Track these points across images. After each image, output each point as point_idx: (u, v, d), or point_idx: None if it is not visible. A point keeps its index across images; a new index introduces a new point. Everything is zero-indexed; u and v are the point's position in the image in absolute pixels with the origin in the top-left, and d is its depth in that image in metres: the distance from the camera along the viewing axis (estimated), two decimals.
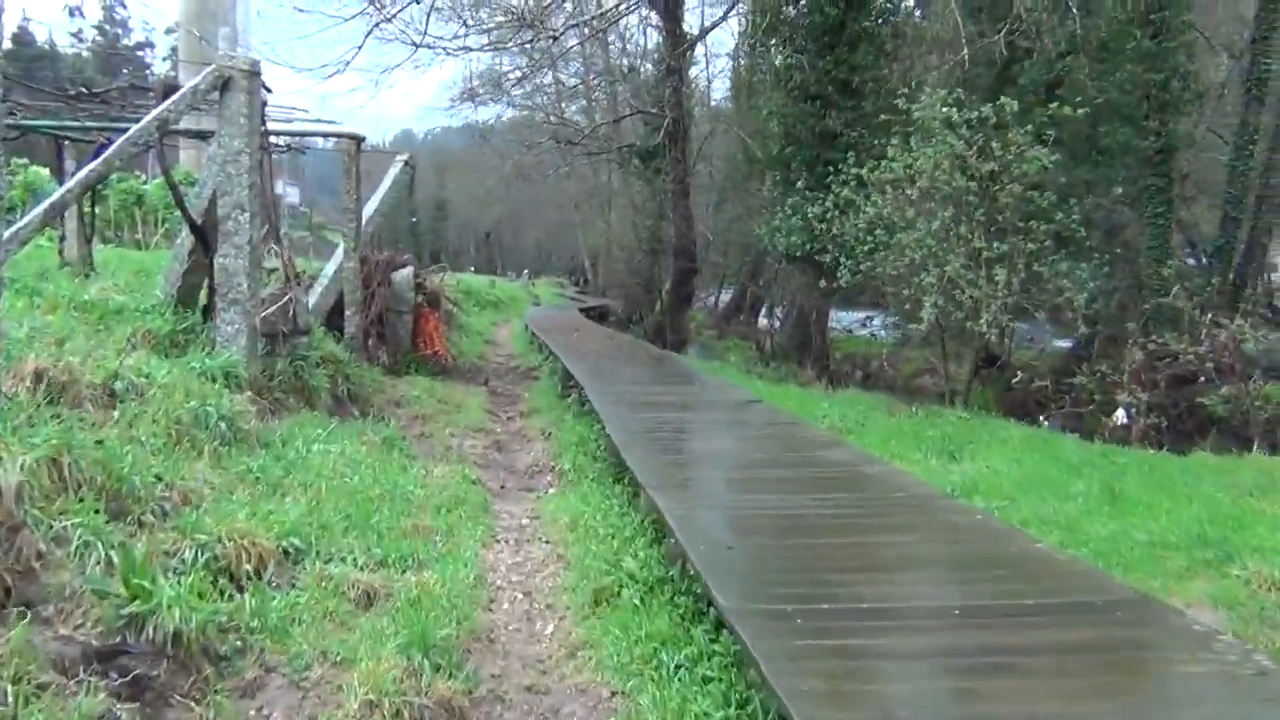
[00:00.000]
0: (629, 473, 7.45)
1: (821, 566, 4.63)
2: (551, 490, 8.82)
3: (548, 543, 6.96)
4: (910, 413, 14.07)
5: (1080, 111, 13.68)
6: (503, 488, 9.22)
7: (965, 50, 17.10)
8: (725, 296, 42.14)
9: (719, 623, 4.61)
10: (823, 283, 16.57)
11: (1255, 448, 15.57)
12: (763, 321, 35.65)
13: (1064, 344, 24.71)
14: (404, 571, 5.73)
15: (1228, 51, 26.68)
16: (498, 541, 7.00)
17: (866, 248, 14.71)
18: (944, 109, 13.84)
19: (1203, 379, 16.74)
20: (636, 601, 5.21)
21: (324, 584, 5.22)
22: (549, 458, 10.43)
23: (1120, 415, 13.67)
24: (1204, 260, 24.97)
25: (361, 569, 5.57)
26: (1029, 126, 13.65)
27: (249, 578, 4.93)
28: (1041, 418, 16.97)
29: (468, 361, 18.82)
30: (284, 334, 9.48)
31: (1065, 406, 18.69)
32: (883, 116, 16.05)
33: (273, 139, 10.49)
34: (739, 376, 17.88)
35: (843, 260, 15.41)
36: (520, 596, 5.88)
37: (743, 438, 8.20)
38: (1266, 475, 10.23)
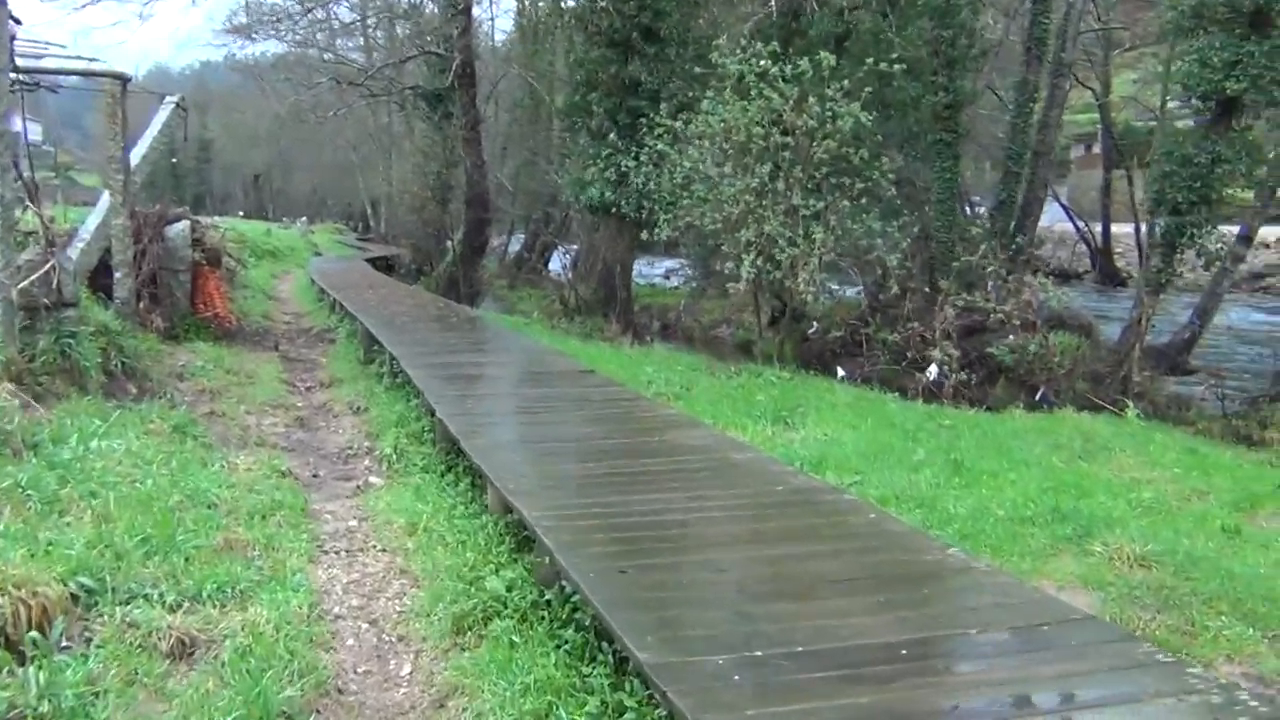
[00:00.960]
0: (468, 462, 6.68)
1: (740, 594, 4.07)
2: (375, 481, 7.91)
3: (384, 552, 6.12)
4: (731, 373, 13.81)
5: (897, 67, 13.57)
6: (316, 477, 8.24)
7: (774, 1, 16.79)
8: (515, 245, 41.15)
9: (621, 662, 3.99)
10: (644, 236, 15.97)
11: (1039, 395, 16.28)
12: (554, 270, 35.04)
13: (853, 293, 25.23)
14: (223, 606, 4.80)
15: (1004, 12, 27.65)
16: (326, 553, 6.11)
17: (686, 201, 14.24)
18: (761, 63, 13.45)
19: (990, 330, 17.36)
20: (513, 636, 4.50)
21: (127, 636, 4.26)
22: (364, 438, 9.47)
23: (933, 371, 13.85)
24: (981, 214, 26.01)
25: (171, 608, 4.62)
26: (844, 82, 13.45)
27: (32, 642, 3.92)
28: (839, 369, 17.15)
29: (253, 323, 17.30)
30: (46, 307, 8.10)
31: (859, 356, 19.06)
32: (696, 70, 15.58)
33: (23, 78, 8.92)
34: (549, 335, 17.20)
35: (661, 214, 14.89)
36: (365, 627, 5.05)
37: (591, 419, 7.54)
38: (1083, 435, 10.46)
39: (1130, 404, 12.32)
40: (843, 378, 15.70)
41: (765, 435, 9.78)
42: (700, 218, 14.04)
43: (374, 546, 6.21)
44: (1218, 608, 6.03)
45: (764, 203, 13.14)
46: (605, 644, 4.17)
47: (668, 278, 29.36)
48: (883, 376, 15.20)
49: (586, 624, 4.36)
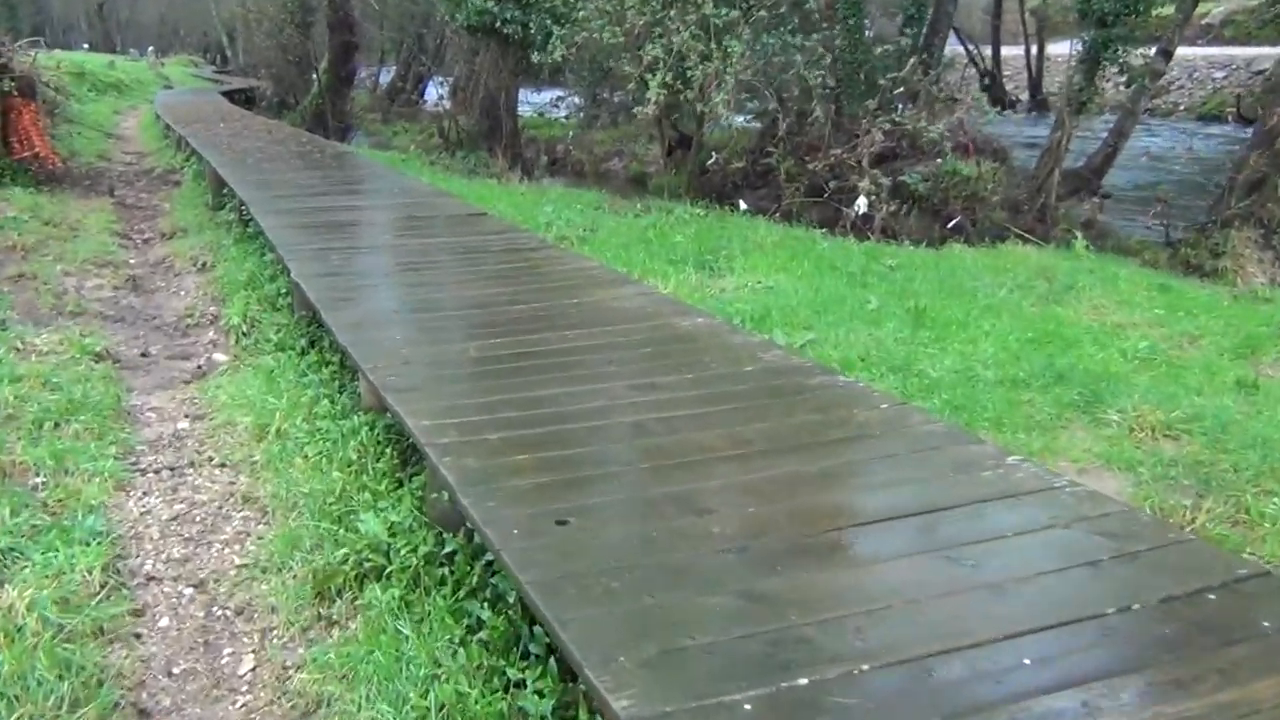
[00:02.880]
0: (334, 341, 5.13)
1: (748, 560, 2.70)
2: (220, 360, 6.28)
3: (223, 468, 4.58)
4: (638, 211, 12.27)
5: None
6: (145, 356, 6.56)
7: None
8: (387, 76, 38.03)
9: (561, 663, 2.63)
10: (534, 58, 13.99)
11: (953, 224, 15.18)
12: (430, 101, 32.51)
13: (742, 120, 23.37)
14: None
15: None
16: (142, 473, 4.53)
17: (581, 13, 12.34)
18: None
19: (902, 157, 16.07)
20: (401, 615, 3.08)
21: None
22: (209, 302, 7.75)
23: (862, 204, 12.51)
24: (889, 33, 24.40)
25: None
26: None
27: None
28: (741, 202, 15.78)
29: (84, 165, 14.95)
30: None
31: (763, 188, 17.69)
32: None
33: None
34: (429, 172, 15.31)
35: (554, 30, 12.96)
36: (188, 595, 3.56)
37: (490, 276, 5.98)
38: (1041, 273, 9.32)
39: (1078, 235, 11.22)
40: (746, 210, 14.31)
41: (690, 284, 8.38)
42: (599, 31, 12.19)
43: (209, 460, 4.65)
44: (1266, 486, 4.96)
45: (672, 13, 11.36)
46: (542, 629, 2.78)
47: (556, 106, 27.21)
48: (798, 210, 13.80)
49: (511, 599, 2.96)
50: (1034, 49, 38.93)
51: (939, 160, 15.35)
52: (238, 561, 3.73)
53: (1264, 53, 33.37)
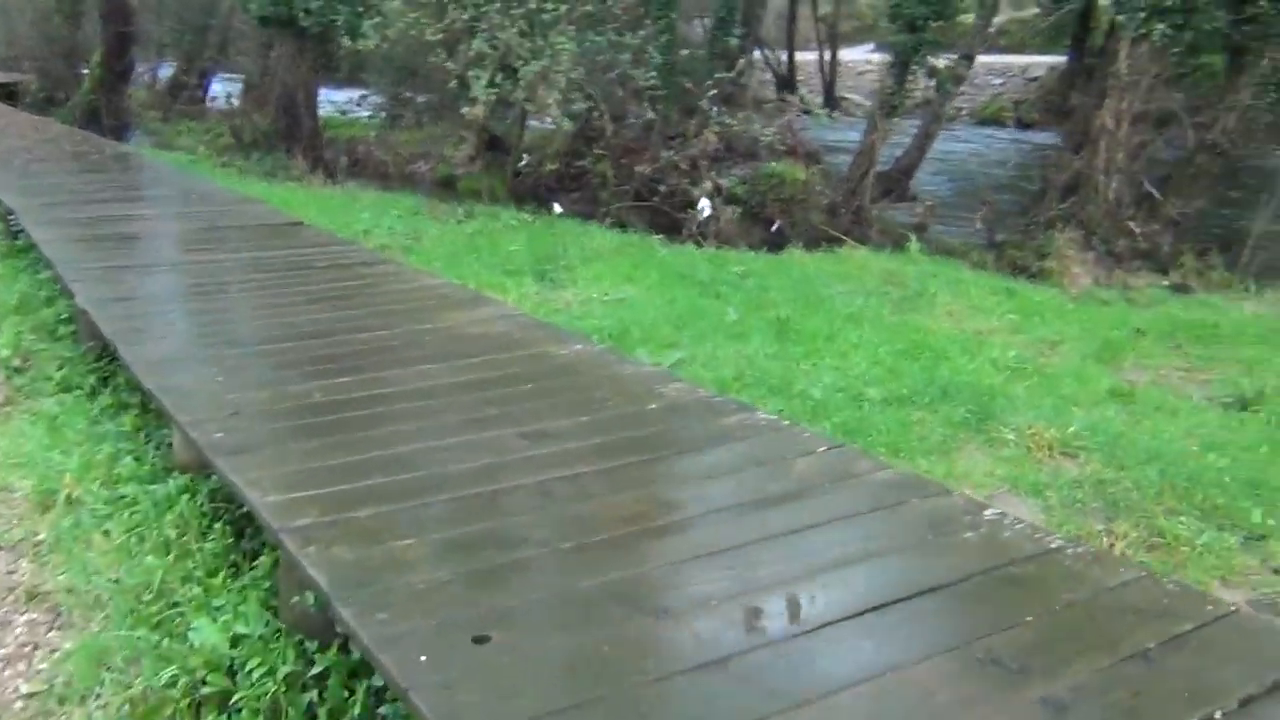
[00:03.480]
0: (128, 373, 4.23)
1: (715, 662, 2.11)
2: None
3: None
4: (460, 218, 11.49)
5: None
6: None
7: None
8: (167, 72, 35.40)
9: None
10: (345, 45, 12.92)
11: (774, 228, 15.07)
12: (214, 98, 30.42)
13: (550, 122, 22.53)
14: None
15: None
16: None
17: (393, 3, 11.45)
18: None
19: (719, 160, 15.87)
20: None
21: None
22: None
23: (704, 207, 12.12)
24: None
25: None
26: None
27: None
28: (556, 205, 15.23)
29: None
30: None
31: (577, 191, 17.19)
32: None
33: None
34: (225, 175, 14.04)
35: (363, 21, 11.99)
36: None
37: (321, 298, 5.15)
38: (887, 278, 9.14)
39: (912, 238, 11.16)
40: (561, 214, 13.73)
41: (531, 297, 7.75)
42: (414, 26, 11.31)
43: None
44: (1169, 504, 4.76)
45: (496, 6, 10.65)
46: None
47: (359, 104, 25.89)
48: (625, 215, 13.30)
49: None
50: (826, 54, 39.99)
51: (757, 163, 15.23)
52: (24, 689, 2.85)
53: (1037, 60, 35.15)
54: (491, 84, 10.56)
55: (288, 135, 18.69)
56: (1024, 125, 31.05)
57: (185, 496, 3.53)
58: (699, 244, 11.62)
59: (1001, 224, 13.78)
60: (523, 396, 3.76)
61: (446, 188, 19.55)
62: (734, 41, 15.88)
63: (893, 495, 3.03)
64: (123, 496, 3.68)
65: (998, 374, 6.38)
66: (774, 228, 14.60)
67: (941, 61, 16.50)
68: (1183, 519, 4.63)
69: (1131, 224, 11.93)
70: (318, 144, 19.26)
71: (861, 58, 41.25)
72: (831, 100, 39.94)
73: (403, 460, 3.13)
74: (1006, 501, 4.71)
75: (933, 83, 17.29)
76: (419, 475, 3.02)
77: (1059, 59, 34.33)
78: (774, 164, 15.65)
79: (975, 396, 5.74)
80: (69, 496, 3.82)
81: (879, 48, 44.26)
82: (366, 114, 25.31)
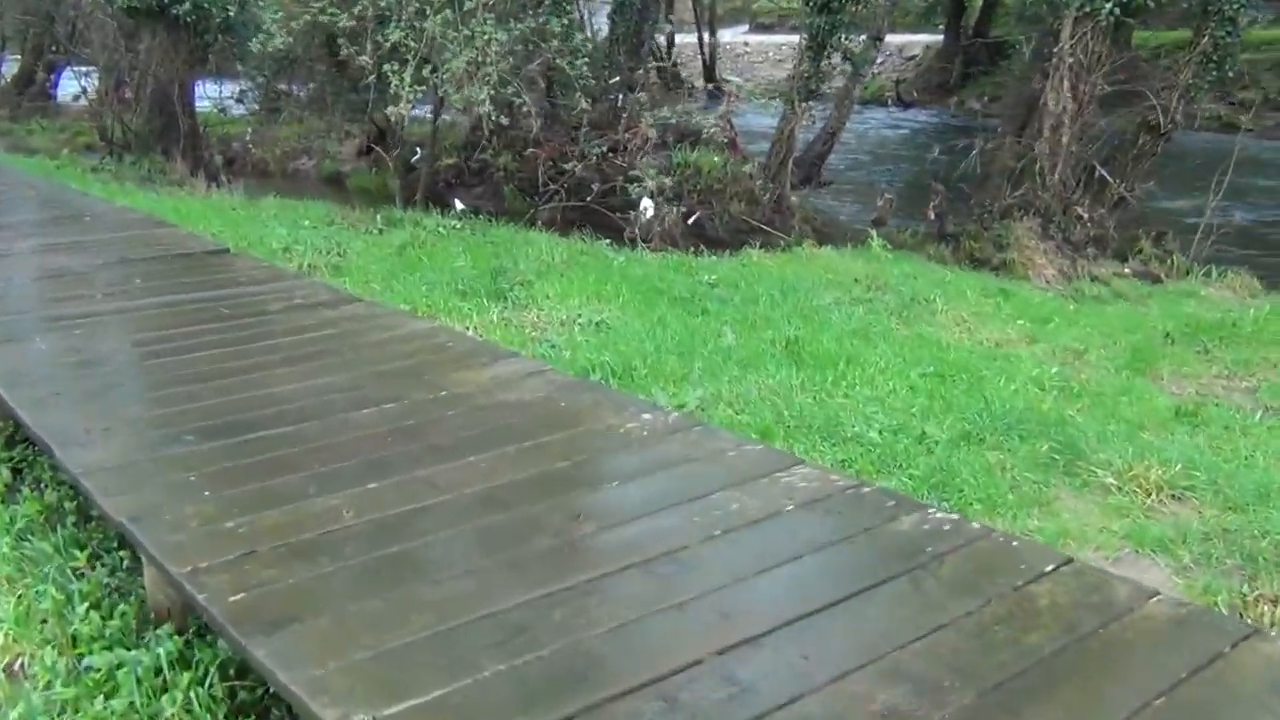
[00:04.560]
0: (64, 478, 3.22)
1: None
2: None
3: None
4: (380, 226, 10.39)
5: None
6: None
7: None
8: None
9: None
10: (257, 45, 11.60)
11: (692, 219, 14.33)
12: (66, 94, 28.18)
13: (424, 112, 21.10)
14: None
15: None
16: None
17: None
18: None
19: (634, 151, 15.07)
20: None
21: None
22: None
23: (647, 207, 11.26)
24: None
25: None
26: None
27: None
28: (457, 201, 14.22)
29: None
30: None
31: (479, 186, 16.20)
32: None
33: None
34: (98, 184, 12.59)
35: (265, 13, 10.74)
36: None
37: (293, 356, 4.13)
38: (866, 280, 8.47)
39: (873, 233, 10.52)
40: (462, 210, 12.71)
41: (494, 321, 6.83)
42: (322, 14, 10.13)
43: None
44: None
45: None
46: None
47: (240, 100, 24.15)
48: (556, 217, 12.35)
49: None
50: (706, 36, 39.42)
51: (669, 153, 14.46)
52: None
53: (912, 39, 35.36)
54: (417, 78, 9.51)
55: (163, 135, 17.15)
56: (905, 104, 31.05)
57: (186, 673, 2.56)
58: (634, 245, 10.77)
59: (906, 207, 13.33)
60: (639, 506, 2.90)
61: (334, 185, 18.28)
62: (622, 29, 15.07)
63: (1060, 591, 2.30)
64: (90, 670, 2.67)
65: (1046, 396, 5.74)
66: (691, 219, 13.86)
67: (857, 43, 16.04)
68: None
69: (1080, 210, 11.57)
70: (198, 144, 17.75)
71: (738, 39, 40.95)
72: (714, 84, 39.48)
73: (461, 595, 2.24)
74: (1135, 566, 4.04)
75: (847, 65, 16.78)
76: (475, 615, 2.14)
77: (934, 37, 34.55)
78: (689, 153, 14.93)
79: (1044, 428, 5.07)
80: (9, 668, 2.80)
81: (754, 28, 44.08)
82: (242, 109, 23.65)
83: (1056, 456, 4.76)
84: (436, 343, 4.38)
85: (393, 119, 10.80)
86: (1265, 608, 3.80)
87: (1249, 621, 3.68)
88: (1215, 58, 11.57)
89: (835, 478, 3.08)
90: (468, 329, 6.35)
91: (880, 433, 4.92)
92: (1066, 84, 11.52)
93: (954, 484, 4.41)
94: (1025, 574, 2.51)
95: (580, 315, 6.95)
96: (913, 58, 35.56)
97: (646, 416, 3.52)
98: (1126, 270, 10.60)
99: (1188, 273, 10.66)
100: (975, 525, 2.77)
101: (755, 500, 2.90)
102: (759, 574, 2.52)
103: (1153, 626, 2.31)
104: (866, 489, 3.01)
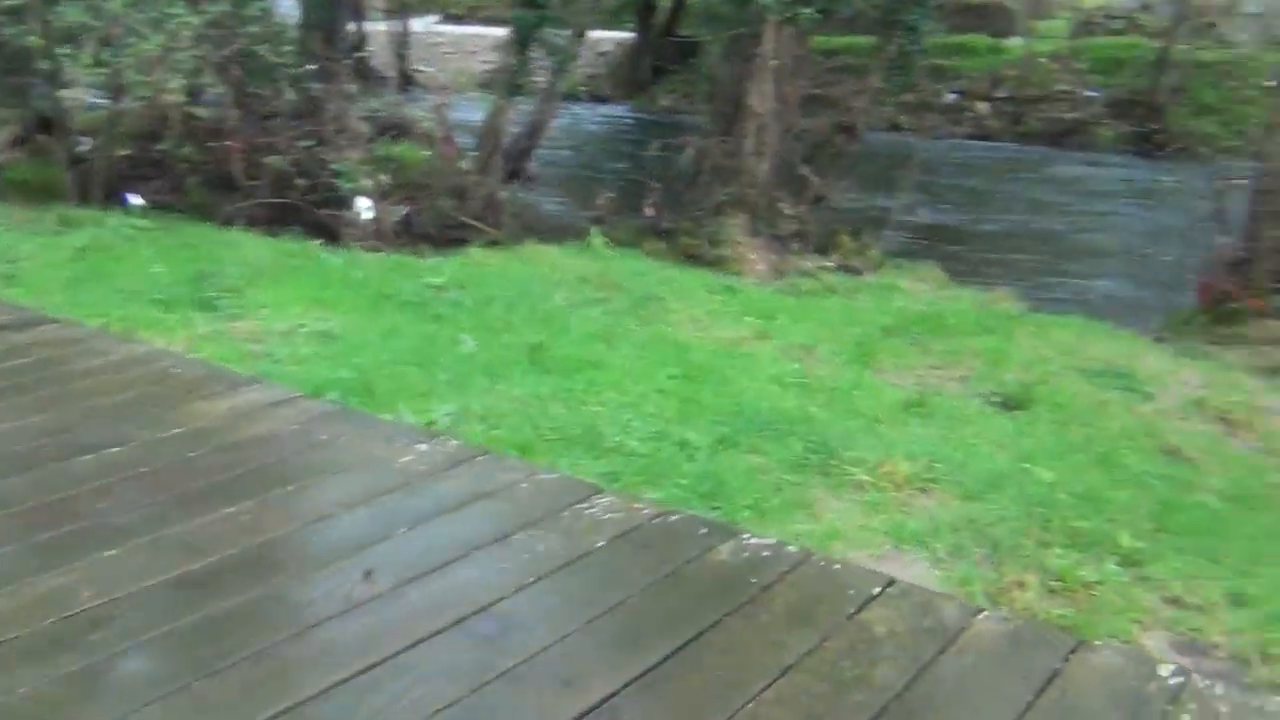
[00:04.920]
0: None
1: None
2: None
3: None
4: (55, 227, 9.24)
5: None
6: None
7: None
8: None
9: None
10: None
11: (404, 216, 13.91)
12: None
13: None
14: None
15: None
16: None
17: None
18: None
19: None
20: None
21: None
22: None
23: (365, 208, 10.64)
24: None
25: None
26: None
27: None
28: (131, 196, 13.06)
29: None
30: None
31: (158, 180, 14.93)
32: None
33: None
34: None
35: None
36: None
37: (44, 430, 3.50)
38: (595, 280, 8.42)
39: (593, 230, 10.49)
40: (140, 206, 11.65)
41: (204, 335, 6.23)
42: None
43: None
44: (1038, 535, 4.48)
45: None
46: None
47: None
48: (258, 215, 11.48)
49: None
50: (398, 26, 38.41)
51: (372, 147, 13.89)
52: None
53: (604, 35, 35.86)
54: (98, 62, 8.50)
55: None
56: (599, 99, 31.55)
57: None
58: (348, 246, 10.20)
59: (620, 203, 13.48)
60: (425, 556, 2.60)
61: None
62: (347, 13, 14.38)
63: (893, 617, 2.30)
64: None
65: (787, 394, 5.86)
66: (400, 216, 13.38)
67: (560, 38, 16.06)
68: (1058, 551, 4.34)
69: (784, 206, 12.08)
70: None
71: (429, 29, 40.14)
72: (406, 74, 38.42)
73: None
74: (899, 562, 4.17)
75: (551, 60, 16.78)
76: None
77: (626, 35, 35.36)
78: (391, 146, 14.43)
79: (792, 427, 5.17)
80: None
81: (446, 19, 43.42)
82: None
83: (811, 456, 4.85)
84: (159, 369, 3.84)
85: (66, 105, 9.60)
86: (1016, 593, 4.01)
87: (1005, 611, 3.89)
88: (900, 64, 12.45)
89: (639, 506, 2.92)
90: (174, 346, 5.71)
91: (641, 441, 4.83)
92: (769, 85, 11.99)
93: (723, 491, 4.39)
94: (855, 600, 2.45)
95: (303, 325, 6.45)
96: (605, 54, 36.13)
97: (422, 447, 3.21)
98: (829, 264, 11.15)
99: (881, 265, 11.37)
100: (793, 549, 2.68)
101: (562, 539, 2.69)
102: (588, 625, 2.31)
103: (986, 646, 2.30)
104: (674, 516, 2.86)
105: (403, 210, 12.76)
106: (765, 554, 2.65)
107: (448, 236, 12.28)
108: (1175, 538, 4.67)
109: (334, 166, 10.95)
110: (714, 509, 4.26)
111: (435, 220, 13.04)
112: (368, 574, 2.47)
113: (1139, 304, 10.56)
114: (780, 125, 12.19)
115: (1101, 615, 3.92)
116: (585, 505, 2.88)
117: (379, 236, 10.57)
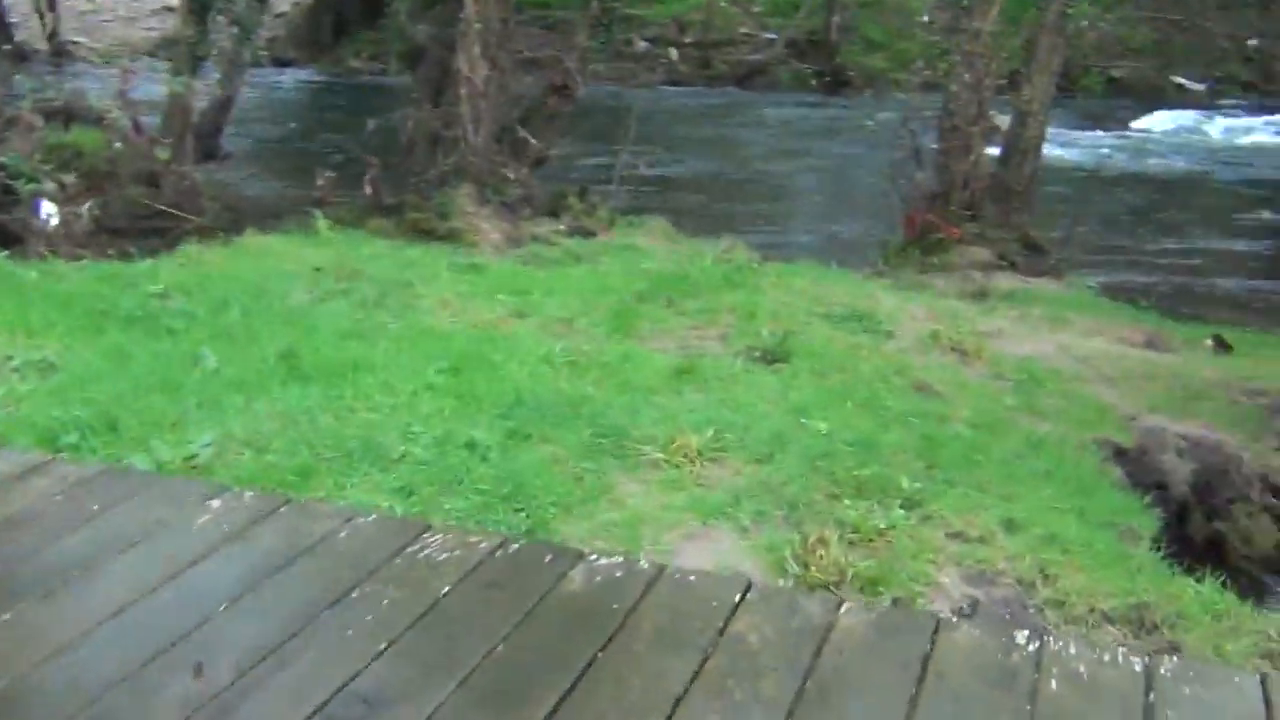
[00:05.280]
0: None
1: None
2: None
3: None
4: None
5: None
6: None
7: None
8: None
9: None
10: None
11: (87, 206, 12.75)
12: None
13: None
14: None
15: None
16: None
17: None
18: None
19: None
20: None
21: None
22: None
23: (49, 213, 9.52)
24: None
25: None
26: None
27: None
28: None
29: None
30: None
31: None
32: None
33: None
34: None
35: None
36: None
37: None
38: (332, 269, 7.97)
39: (317, 214, 9.92)
40: None
41: None
42: None
43: None
44: (829, 489, 4.67)
45: None
46: None
47: None
48: None
49: None
50: None
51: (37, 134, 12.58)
52: None
53: None
54: None
55: None
56: (281, 63, 29.94)
57: None
58: (41, 256, 9.17)
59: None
60: (257, 634, 2.34)
61: None
62: None
63: (761, 623, 2.35)
64: None
65: (558, 375, 5.78)
66: (88, 212, 12.22)
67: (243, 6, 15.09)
68: (847, 502, 4.54)
69: (507, 172, 11.91)
70: None
71: None
72: (58, 47, 34.94)
73: None
74: (709, 538, 4.22)
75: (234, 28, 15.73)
76: None
77: None
78: (63, 134, 13.10)
79: (574, 410, 5.11)
80: None
81: None
82: None
83: (602, 440, 4.80)
84: None
85: None
86: (821, 551, 4.13)
87: (811, 567, 4.02)
88: (605, 22, 12.49)
89: (474, 538, 2.76)
90: None
91: (426, 447, 4.61)
92: (478, 49, 11.71)
93: (524, 491, 4.26)
94: (720, 611, 2.42)
95: (10, 358, 5.70)
96: (281, 14, 34.24)
97: (216, 504, 2.89)
98: (562, 228, 11.11)
99: (612, 224, 11.44)
100: (645, 566, 2.62)
101: (403, 591, 2.50)
102: (461, 689, 2.16)
103: (858, 640, 2.33)
104: (514, 546, 2.72)
105: (88, 206, 11.61)
106: (618, 575, 2.57)
107: (143, 228, 11.32)
108: (944, 472, 4.99)
109: (9, 164, 9.79)
110: (518, 510, 4.15)
111: (126, 213, 11.94)
112: (198, 669, 2.20)
113: (858, 242, 11.21)
114: (494, 89, 11.96)
115: (900, 560, 4.12)
116: (416, 547, 2.69)
117: (70, 240, 9.56)
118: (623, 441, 4.79)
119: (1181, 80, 24.47)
